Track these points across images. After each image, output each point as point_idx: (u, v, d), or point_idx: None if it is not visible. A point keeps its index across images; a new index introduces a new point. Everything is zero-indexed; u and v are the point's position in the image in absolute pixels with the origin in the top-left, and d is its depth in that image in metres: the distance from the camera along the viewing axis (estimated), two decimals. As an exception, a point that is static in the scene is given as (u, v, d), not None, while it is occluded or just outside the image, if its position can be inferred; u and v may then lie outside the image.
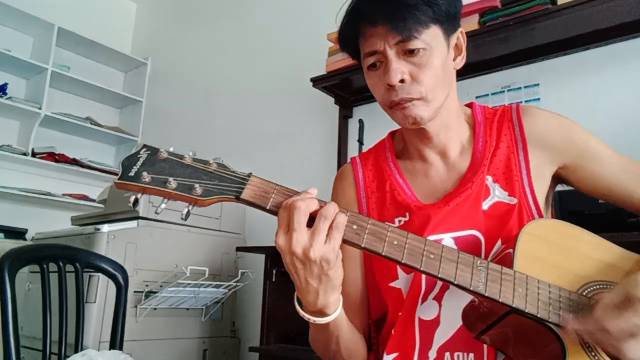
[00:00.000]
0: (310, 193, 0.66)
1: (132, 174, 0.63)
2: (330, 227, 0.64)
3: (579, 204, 1.28)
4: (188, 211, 0.63)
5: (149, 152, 0.65)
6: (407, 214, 0.85)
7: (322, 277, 0.66)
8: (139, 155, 0.64)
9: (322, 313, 0.71)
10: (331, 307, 0.71)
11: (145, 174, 0.62)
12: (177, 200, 0.64)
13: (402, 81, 0.78)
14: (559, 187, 0.91)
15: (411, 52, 0.78)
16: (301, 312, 0.73)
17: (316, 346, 0.84)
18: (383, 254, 0.65)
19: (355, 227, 0.65)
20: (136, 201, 0.62)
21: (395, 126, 0.99)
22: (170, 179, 0.63)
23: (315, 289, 0.67)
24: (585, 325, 0.64)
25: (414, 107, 0.79)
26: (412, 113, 0.80)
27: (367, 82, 0.85)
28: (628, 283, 0.65)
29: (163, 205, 0.63)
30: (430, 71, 0.78)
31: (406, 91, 0.78)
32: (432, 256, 0.66)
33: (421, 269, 0.65)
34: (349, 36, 0.84)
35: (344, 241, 0.66)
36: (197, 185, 0.63)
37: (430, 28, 0.78)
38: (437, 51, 0.79)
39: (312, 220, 0.64)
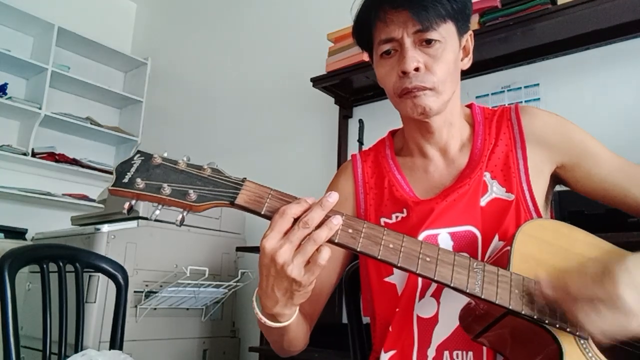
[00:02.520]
0: (307, 201, 0.65)
1: (125, 180, 0.62)
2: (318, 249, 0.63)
3: (578, 204, 1.27)
4: (183, 217, 0.63)
5: (142, 158, 0.64)
6: (404, 210, 0.85)
7: (287, 293, 0.66)
8: (132, 162, 0.64)
9: (275, 319, 0.71)
10: (286, 317, 0.71)
11: (139, 180, 0.62)
12: (172, 206, 0.64)
13: (416, 70, 0.79)
14: (559, 187, 0.91)
15: (428, 43, 0.80)
16: (256, 310, 0.73)
17: (262, 331, 0.83)
18: (379, 257, 0.65)
19: (350, 230, 0.65)
20: (130, 208, 0.62)
21: (395, 125, 0.99)
22: (165, 185, 0.62)
23: (277, 299, 0.67)
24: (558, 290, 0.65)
25: (425, 97, 0.80)
26: (422, 102, 0.81)
27: (377, 71, 0.86)
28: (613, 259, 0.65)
29: (157, 212, 0.62)
30: (444, 64, 0.80)
31: (420, 79, 0.79)
32: (428, 259, 0.66)
33: (417, 272, 0.65)
34: (366, 21, 0.84)
35: (340, 245, 0.65)
36: (191, 191, 0.63)
37: (447, 23, 0.80)
38: (451, 46, 0.82)
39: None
